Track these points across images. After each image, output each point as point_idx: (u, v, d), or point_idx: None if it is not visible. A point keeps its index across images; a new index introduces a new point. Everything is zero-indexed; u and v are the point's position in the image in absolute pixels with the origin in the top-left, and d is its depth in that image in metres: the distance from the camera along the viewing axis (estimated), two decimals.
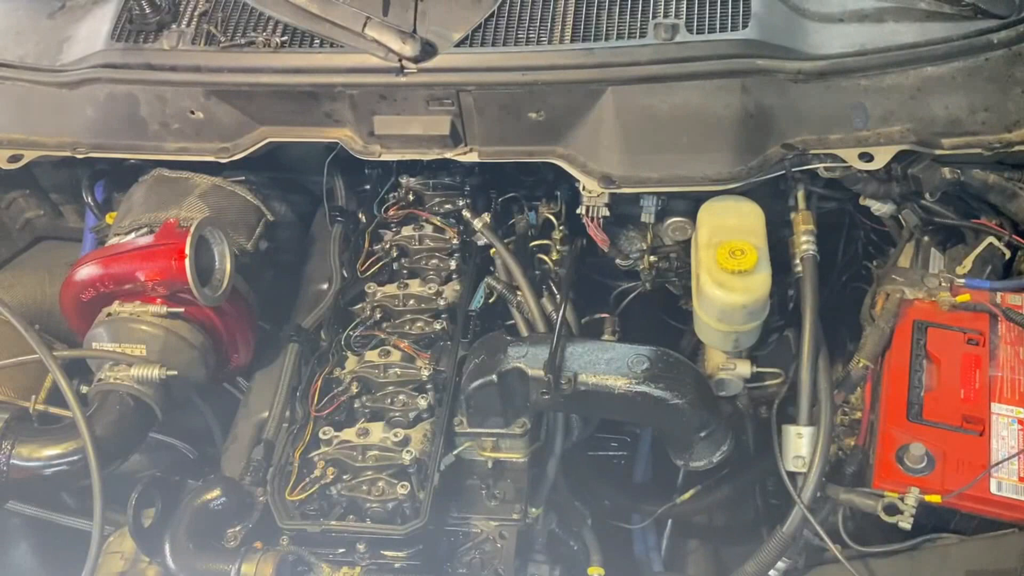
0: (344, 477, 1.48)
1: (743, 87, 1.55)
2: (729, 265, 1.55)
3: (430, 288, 1.68)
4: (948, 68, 1.56)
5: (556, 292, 1.76)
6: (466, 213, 1.74)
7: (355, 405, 1.55)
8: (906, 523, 1.37)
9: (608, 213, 1.68)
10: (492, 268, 1.78)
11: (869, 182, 1.65)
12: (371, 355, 1.59)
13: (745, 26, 1.55)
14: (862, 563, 1.45)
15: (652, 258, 1.87)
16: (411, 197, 1.82)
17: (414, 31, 1.62)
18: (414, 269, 1.75)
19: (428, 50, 1.60)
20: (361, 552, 1.43)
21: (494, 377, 1.50)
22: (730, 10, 1.57)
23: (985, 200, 1.70)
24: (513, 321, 1.72)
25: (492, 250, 1.74)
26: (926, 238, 1.73)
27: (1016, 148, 1.57)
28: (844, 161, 1.58)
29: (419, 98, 1.64)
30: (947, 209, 1.72)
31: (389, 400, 1.55)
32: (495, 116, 1.64)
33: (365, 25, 1.61)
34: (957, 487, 1.38)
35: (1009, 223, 1.70)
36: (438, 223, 1.77)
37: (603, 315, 1.87)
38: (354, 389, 1.55)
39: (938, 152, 1.59)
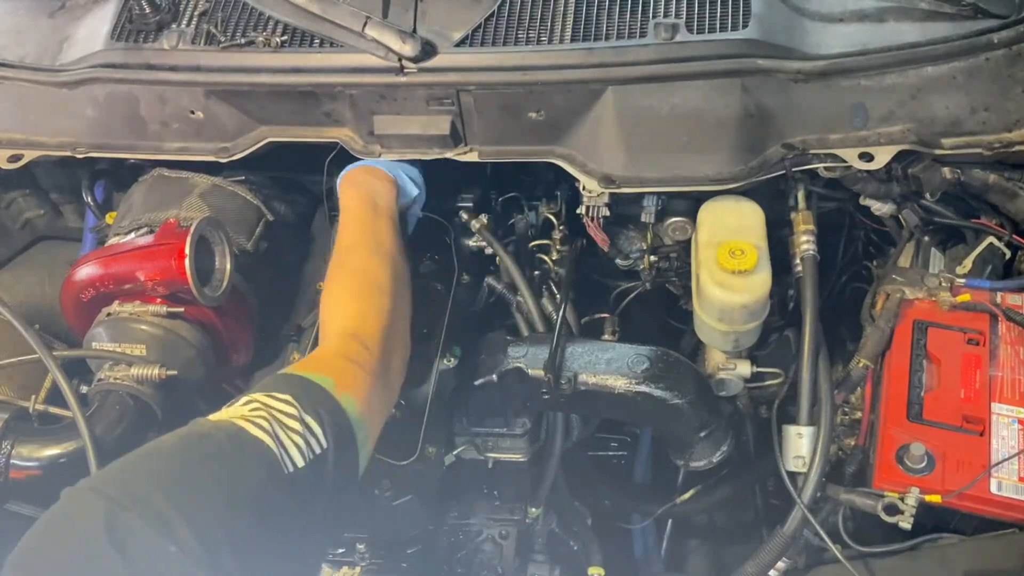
0: None
1: (743, 87, 1.55)
2: (729, 265, 1.55)
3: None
4: (948, 68, 1.55)
5: (556, 292, 1.76)
6: (463, 215, 1.73)
7: None
8: (906, 523, 1.37)
9: (608, 213, 1.68)
10: (493, 268, 1.78)
11: (869, 182, 1.65)
12: None
13: (745, 26, 1.55)
14: (862, 563, 1.45)
15: (652, 258, 1.87)
16: None
17: (414, 31, 1.62)
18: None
19: (428, 50, 1.60)
20: (361, 552, 1.43)
21: (494, 377, 1.50)
22: (730, 10, 1.57)
23: (985, 200, 1.70)
24: (513, 321, 1.73)
25: (487, 249, 1.74)
26: (926, 238, 1.73)
27: (1016, 148, 1.57)
28: (844, 161, 1.58)
29: (419, 98, 1.64)
30: (947, 209, 1.72)
31: None
32: (495, 116, 1.64)
33: (365, 25, 1.61)
34: (957, 487, 1.38)
35: (1009, 223, 1.70)
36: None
37: (603, 315, 1.87)
38: None
39: (938, 152, 1.59)
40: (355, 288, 1.39)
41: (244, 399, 1.09)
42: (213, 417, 1.06)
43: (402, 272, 1.46)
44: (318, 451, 1.06)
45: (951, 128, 1.59)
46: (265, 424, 1.03)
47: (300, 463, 1.03)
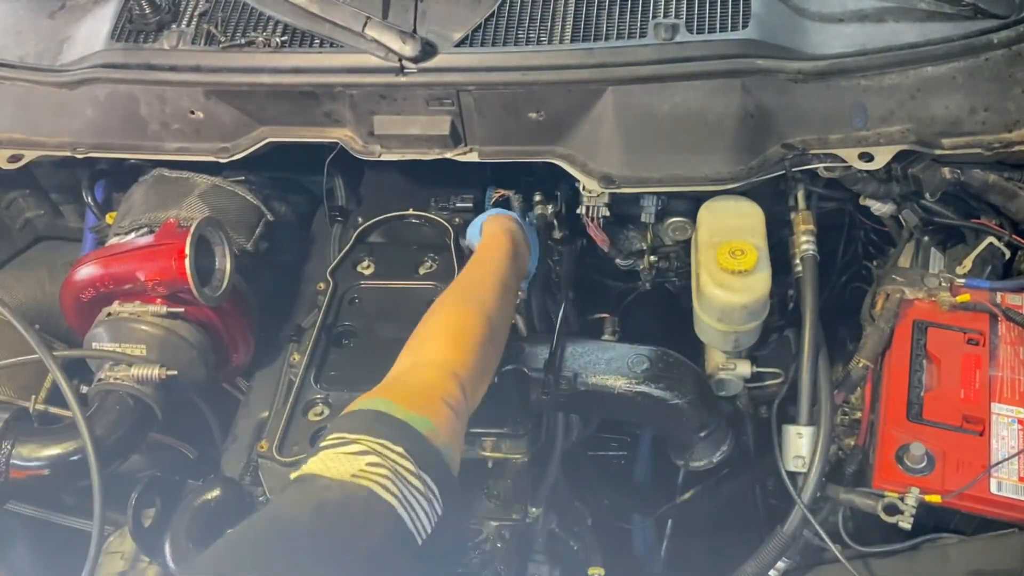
0: None
1: (743, 87, 1.55)
2: (729, 265, 1.55)
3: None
4: (948, 68, 1.55)
5: (556, 292, 1.76)
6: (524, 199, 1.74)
7: None
8: (906, 523, 1.37)
9: (608, 213, 1.68)
10: None
11: (869, 182, 1.65)
12: None
13: (745, 26, 1.55)
14: (862, 563, 1.45)
15: (652, 258, 1.87)
16: None
17: (414, 31, 1.62)
18: None
19: (428, 50, 1.60)
20: None
21: (494, 377, 1.49)
22: (730, 10, 1.57)
23: (985, 200, 1.70)
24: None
25: None
26: (926, 238, 1.73)
27: (1016, 148, 1.57)
28: (844, 161, 1.58)
29: (419, 98, 1.64)
30: (947, 209, 1.72)
31: None
32: (495, 116, 1.64)
33: (365, 25, 1.61)
34: (957, 487, 1.38)
35: (1009, 223, 1.70)
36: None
37: (603, 315, 1.87)
38: None
39: (938, 152, 1.59)
40: (472, 324, 1.26)
41: (353, 443, 0.97)
42: (330, 473, 0.94)
43: (505, 334, 1.37)
44: (440, 513, 0.97)
45: (951, 128, 1.59)
46: (392, 487, 0.93)
47: (428, 529, 0.95)
